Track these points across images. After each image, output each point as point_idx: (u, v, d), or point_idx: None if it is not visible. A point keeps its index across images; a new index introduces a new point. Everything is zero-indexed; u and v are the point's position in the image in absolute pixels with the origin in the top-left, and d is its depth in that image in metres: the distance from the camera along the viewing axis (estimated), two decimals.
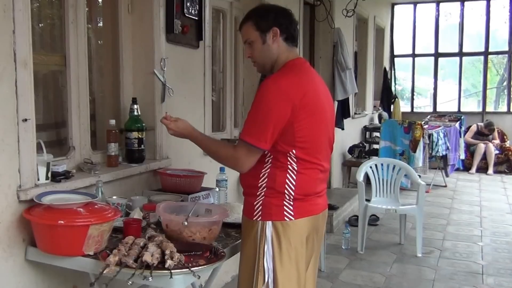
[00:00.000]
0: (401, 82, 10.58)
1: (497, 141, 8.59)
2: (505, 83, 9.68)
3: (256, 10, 2.02)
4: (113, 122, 2.53)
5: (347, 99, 6.07)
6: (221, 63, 3.93)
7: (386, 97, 9.03)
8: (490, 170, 8.37)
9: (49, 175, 2.09)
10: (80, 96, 2.45)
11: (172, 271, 1.63)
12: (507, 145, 8.60)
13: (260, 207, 1.90)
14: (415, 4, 9.78)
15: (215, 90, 3.84)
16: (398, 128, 6.44)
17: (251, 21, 1.97)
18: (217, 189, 2.74)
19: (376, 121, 8.50)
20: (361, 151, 6.78)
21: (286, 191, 1.88)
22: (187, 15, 2.97)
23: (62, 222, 1.76)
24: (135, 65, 2.81)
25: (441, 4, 9.64)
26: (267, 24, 1.94)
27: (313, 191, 1.94)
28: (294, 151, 1.86)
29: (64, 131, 2.48)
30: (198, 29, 3.13)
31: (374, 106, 8.62)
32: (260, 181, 1.89)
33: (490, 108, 9.67)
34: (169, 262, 1.64)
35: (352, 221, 5.06)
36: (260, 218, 1.89)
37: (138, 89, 2.81)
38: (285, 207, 1.88)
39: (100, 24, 2.83)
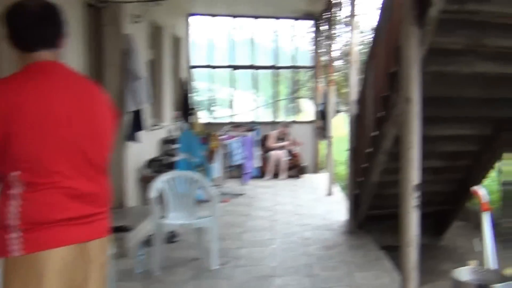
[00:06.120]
0: (201, 92, 10.72)
1: (291, 146, 9.26)
2: (294, 95, 10.61)
3: None
4: None
5: (140, 110, 5.70)
6: None
7: (185, 108, 8.98)
8: (283, 176, 9.01)
9: None
10: None
11: None
12: (296, 151, 9.36)
13: None
14: (211, 15, 9.90)
15: None
16: (195, 140, 6.39)
17: None
18: None
19: (178, 132, 8.35)
20: (160, 165, 6.51)
21: (11, 223, 1.57)
22: None
23: None
24: None
25: (236, 18, 10.01)
26: None
27: (52, 218, 1.62)
28: (15, 173, 1.57)
29: None
30: None
31: (176, 117, 8.47)
32: None
33: (282, 117, 10.45)
34: None
35: (151, 241, 4.74)
36: None
37: None
38: (10, 241, 1.58)
39: None
